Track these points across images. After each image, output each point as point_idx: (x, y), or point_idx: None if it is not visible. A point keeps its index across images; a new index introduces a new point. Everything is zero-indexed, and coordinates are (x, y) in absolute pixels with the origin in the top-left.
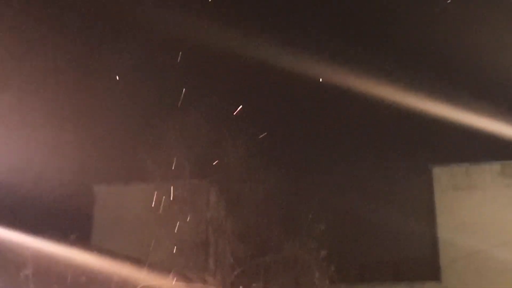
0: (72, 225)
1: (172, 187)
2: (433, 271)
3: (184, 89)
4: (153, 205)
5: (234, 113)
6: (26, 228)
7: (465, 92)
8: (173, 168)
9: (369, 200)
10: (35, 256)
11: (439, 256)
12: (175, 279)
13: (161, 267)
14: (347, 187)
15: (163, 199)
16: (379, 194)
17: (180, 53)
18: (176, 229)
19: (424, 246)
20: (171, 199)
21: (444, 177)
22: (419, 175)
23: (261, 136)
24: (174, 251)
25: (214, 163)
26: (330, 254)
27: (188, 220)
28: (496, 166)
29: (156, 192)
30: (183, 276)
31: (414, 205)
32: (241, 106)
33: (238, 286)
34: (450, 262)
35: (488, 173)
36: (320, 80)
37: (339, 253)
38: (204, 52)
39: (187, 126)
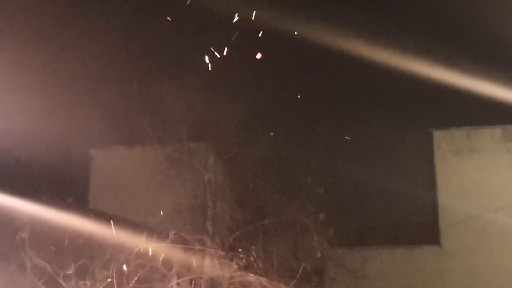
0: (68, 188)
1: (169, 150)
2: (433, 235)
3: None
4: (150, 168)
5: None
6: (22, 192)
7: (466, 55)
8: (170, 131)
9: (368, 164)
10: (32, 219)
11: (439, 220)
12: (172, 242)
13: (159, 230)
14: (347, 151)
15: (160, 162)
16: (379, 158)
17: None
18: (173, 192)
19: (424, 210)
20: (169, 162)
21: (444, 141)
22: (419, 139)
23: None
24: (172, 215)
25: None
26: (329, 218)
27: (185, 183)
28: (497, 130)
29: (153, 155)
30: (180, 238)
31: (414, 169)
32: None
33: (237, 249)
34: (450, 226)
35: (489, 137)
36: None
37: (338, 216)
38: (198, 14)
39: (185, 88)
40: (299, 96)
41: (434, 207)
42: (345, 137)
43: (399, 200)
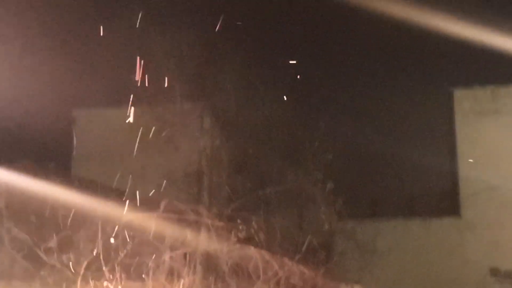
0: (50, 153)
1: (161, 111)
2: (452, 206)
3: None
4: (140, 131)
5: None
6: None
7: (490, 9)
8: (161, 89)
9: (382, 128)
10: (9, 187)
11: (459, 189)
12: (165, 212)
13: (149, 199)
14: (358, 112)
15: (150, 125)
16: (394, 121)
17: None
18: (165, 158)
19: (443, 178)
20: (160, 124)
21: (466, 101)
22: (438, 99)
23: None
24: (164, 182)
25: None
26: (338, 187)
27: (179, 148)
28: None
29: (142, 117)
30: (173, 208)
31: (433, 133)
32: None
33: (236, 220)
34: (471, 196)
35: None
36: None
37: (348, 185)
38: None
39: (178, 43)
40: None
41: (453, 175)
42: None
43: (415, 168)
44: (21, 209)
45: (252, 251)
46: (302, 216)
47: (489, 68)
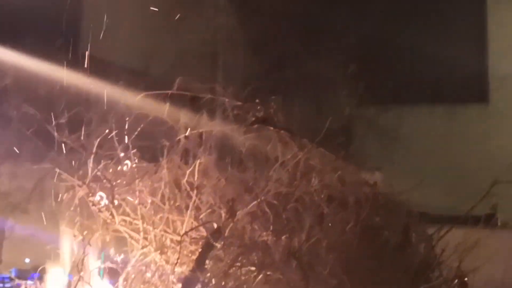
0: (57, 28)
1: None
2: (480, 91)
3: None
4: (151, 8)
5: None
6: (2, 35)
7: None
8: None
9: (408, 12)
10: (15, 66)
11: (488, 73)
12: (179, 90)
13: (163, 78)
14: None
15: (162, 2)
16: (421, 5)
17: None
18: (178, 37)
19: (471, 63)
20: (172, 1)
21: None
22: None
23: None
24: (177, 62)
25: None
26: (360, 70)
27: (192, 27)
28: None
29: None
30: (188, 86)
31: (462, 16)
32: None
33: (254, 100)
34: (500, 82)
35: None
36: None
37: (371, 69)
38: None
39: None
40: None
41: (482, 60)
42: None
43: (442, 51)
44: (29, 86)
45: (270, 131)
46: (321, 99)
47: None
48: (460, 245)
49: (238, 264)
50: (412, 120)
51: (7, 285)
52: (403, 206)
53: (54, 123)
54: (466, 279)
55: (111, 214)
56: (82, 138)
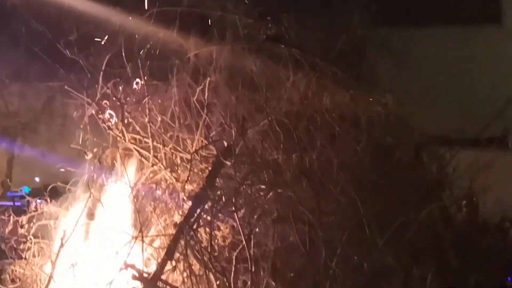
0: None
1: None
2: (493, 12)
3: None
4: None
5: None
6: None
7: None
8: None
9: None
10: None
11: None
12: (189, 6)
13: None
14: None
15: None
16: None
17: None
18: None
19: None
20: None
21: None
22: None
23: None
24: None
25: None
26: None
27: None
28: None
29: None
30: (197, 2)
31: None
32: None
33: (265, 18)
34: None
35: None
36: None
37: None
38: None
39: None
40: None
41: None
42: None
43: None
44: (38, 3)
45: (281, 49)
46: (334, 20)
47: None
48: (472, 165)
49: (249, 182)
50: (424, 41)
51: (17, 202)
52: (415, 126)
53: (63, 41)
54: (474, 199)
55: (121, 132)
56: (91, 56)
